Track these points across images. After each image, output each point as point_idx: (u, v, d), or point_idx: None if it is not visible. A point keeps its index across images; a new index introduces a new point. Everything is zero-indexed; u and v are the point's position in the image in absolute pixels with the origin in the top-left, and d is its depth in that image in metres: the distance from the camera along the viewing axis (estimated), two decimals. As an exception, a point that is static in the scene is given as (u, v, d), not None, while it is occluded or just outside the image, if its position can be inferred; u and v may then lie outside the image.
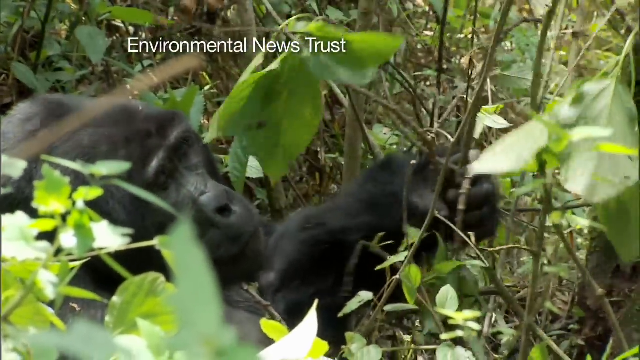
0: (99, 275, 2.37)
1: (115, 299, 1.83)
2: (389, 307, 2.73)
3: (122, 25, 4.40)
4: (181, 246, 1.13)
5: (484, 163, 2.00)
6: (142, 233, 1.80)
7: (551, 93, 3.43)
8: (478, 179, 2.83)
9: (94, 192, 1.62)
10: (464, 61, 4.50)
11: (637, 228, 2.18)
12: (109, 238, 1.63)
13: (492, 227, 2.86)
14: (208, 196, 2.81)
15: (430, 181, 2.89)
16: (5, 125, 2.81)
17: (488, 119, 2.86)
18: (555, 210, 1.94)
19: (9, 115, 2.87)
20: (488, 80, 2.75)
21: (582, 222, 2.08)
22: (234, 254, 2.76)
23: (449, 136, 2.93)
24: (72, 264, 1.70)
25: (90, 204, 1.62)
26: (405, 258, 2.68)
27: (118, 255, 1.64)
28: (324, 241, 3.07)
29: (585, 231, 3.48)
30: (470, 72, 4.05)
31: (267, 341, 2.70)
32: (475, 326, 2.15)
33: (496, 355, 3.26)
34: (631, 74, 2.25)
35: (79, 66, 4.20)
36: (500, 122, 2.94)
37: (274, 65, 2.62)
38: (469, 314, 2.15)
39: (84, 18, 4.16)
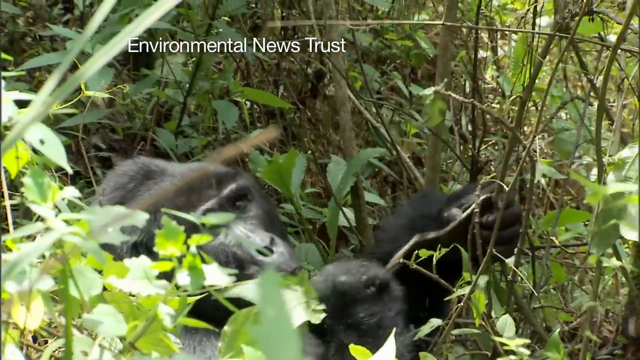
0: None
1: (226, 328, 1.83)
2: (456, 331, 2.68)
3: (239, 100, 4.40)
4: (267, 288, 1.12)
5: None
6: None
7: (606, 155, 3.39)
8: (509, 204, 2.80)
9: (205, 238, 1.62)
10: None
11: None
12: (217, 277, 1.63)
13: (518, 243, 2.77)
14: (253, 238, 2.78)
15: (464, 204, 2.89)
16: (113, 178, 2.88)
17: (547, 169, 2.82)
18: (591, 254, 1.91)
19: (116, 169, 2.95)
20: (537, 138, 2.70)
21: (615, 262, 2.01)
22: None
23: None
24: (189, 299, 1.71)
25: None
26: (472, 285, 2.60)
27: None
28: None
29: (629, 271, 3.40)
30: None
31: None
32: (526, 352, 2.10)
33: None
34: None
35: (204, 134, 4.23)
36: (555, 174, 2.90)
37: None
38: (520, 341, 2.10)
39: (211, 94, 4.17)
